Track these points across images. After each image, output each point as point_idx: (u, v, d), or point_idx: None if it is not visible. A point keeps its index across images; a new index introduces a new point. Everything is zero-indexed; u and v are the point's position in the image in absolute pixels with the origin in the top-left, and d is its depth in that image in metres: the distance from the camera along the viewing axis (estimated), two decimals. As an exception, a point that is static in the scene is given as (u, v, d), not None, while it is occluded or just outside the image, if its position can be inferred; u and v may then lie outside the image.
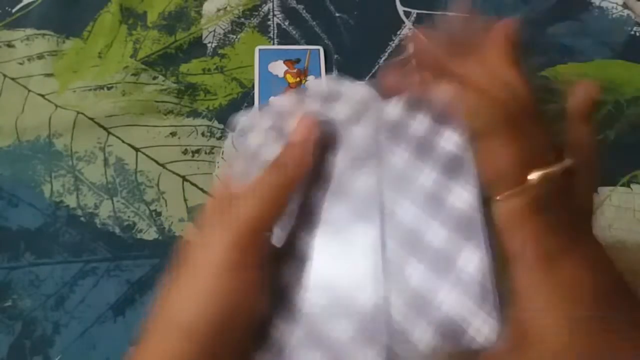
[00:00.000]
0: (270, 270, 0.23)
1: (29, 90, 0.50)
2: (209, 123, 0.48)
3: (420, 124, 0.23)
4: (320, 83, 0.28)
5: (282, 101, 0.28)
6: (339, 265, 0.23)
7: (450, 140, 0.22)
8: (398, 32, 0.54)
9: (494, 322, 0.19)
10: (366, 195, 0.23)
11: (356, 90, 0.26)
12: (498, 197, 0.21)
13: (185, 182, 0.46)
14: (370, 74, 0.51)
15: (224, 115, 0.49)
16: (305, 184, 0.25)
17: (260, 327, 0.23)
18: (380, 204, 0.22)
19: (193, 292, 0.21)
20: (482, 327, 0.19)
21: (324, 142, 0.25)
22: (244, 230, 0.22)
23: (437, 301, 0.20)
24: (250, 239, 0.22)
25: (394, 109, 0.25)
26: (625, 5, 0.55)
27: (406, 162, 0.23)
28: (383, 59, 0.52)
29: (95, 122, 0.48)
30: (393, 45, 0.53)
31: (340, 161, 0.25)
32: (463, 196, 0.21)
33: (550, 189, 0.21)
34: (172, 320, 0.21)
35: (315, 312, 0.22)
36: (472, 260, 0.20)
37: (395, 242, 0.22)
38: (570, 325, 0.20)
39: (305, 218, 0.24)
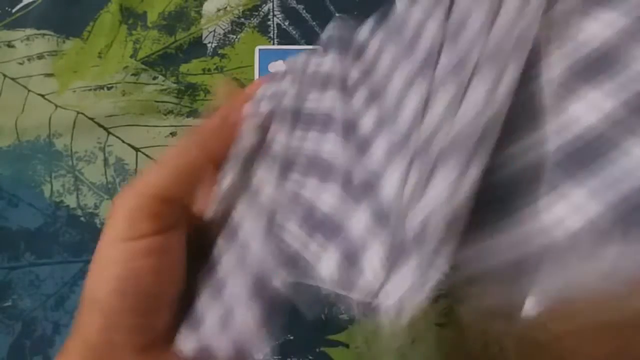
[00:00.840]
0: (183, 238, 0.22)
1: (29, 90, 0.50)
2: (209, 123, 0.48)
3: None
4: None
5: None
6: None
7: None
8: (398, 32, 0.54)
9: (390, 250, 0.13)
10: None
11: None
12: None
13: (185, 182, 0.46)
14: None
15: (224, 115, 0.49)
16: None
17: (179, 295, 0.22)
18: None
19: (96, 265, 0.21)
20: (374, 258, 0.14)
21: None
22: (139, 199, 0.21)
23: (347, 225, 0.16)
24: (147, 207, 0.21)
25: None
26: (625, 5, 0.55)
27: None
28: (383, 59, 0.52)
29: (95, 122, 0.48)
30: (393, 45, 0.53)
31: None
32: None
33: None
34: (83, 296, 0.21)
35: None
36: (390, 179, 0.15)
37: None
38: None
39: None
